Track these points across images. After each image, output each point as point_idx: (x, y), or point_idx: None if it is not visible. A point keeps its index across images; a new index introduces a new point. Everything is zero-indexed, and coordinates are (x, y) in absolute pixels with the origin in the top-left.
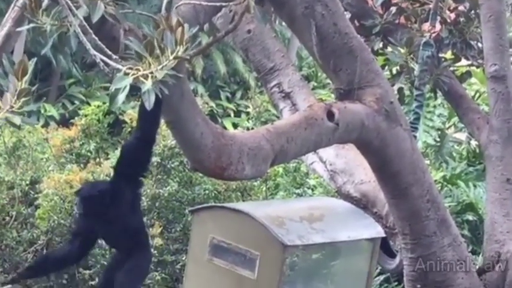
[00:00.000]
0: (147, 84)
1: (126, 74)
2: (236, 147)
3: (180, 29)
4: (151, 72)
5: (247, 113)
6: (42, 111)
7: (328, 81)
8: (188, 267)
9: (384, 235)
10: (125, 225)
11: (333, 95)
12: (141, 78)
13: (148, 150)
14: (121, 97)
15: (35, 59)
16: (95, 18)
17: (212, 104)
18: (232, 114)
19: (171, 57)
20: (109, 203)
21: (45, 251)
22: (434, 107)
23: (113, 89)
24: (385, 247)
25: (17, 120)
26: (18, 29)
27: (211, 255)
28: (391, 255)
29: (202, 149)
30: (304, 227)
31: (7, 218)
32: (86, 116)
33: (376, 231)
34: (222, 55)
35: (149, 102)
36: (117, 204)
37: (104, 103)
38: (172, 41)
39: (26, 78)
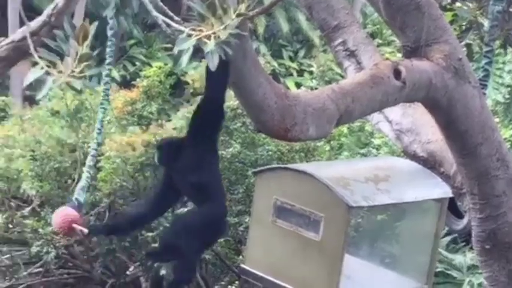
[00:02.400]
0: (210, 45)
1: (189, 36)
2: (300, 107)
3: None
4: (214, 33)
5: (310, 72)
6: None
7: (394, 38)
8: (251, 229)
9: (451, 195)
10: (199, 179)
11: (398, 53)
12: (204, 39)
13: (218, 111)
14: (185, 59)
15: (96, 23)
16: None
17: (274, 63)
18: (295, 74)
19: (233, 16)
20: (179, 154)
21: (107, 213)
22: (504, 63)
23: (176, 51)
24: (452, 207)
25: (77, 84)
26: None
27: (275, 217)
28: (459, 215)
29: (266, 110)
30: (369, 188)
31: (69, 181)
32: (147, 77)
33: (444, 191)
34: (285, 13)
35: (213, 63)
36: (189, 157)
37: (166, 64)
38: (234, 0)
39: (87, 42)
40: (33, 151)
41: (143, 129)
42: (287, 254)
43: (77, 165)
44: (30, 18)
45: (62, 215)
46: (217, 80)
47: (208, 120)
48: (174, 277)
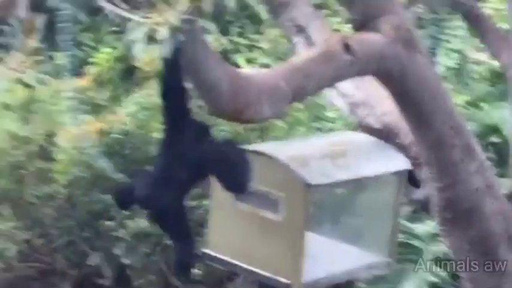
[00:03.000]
0: (163, 32)
1: (140, 24)
2: (253, 87)
3: None
4: (166, 19)
5: (260, 48)
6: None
7: (340, 8)
8: (211, 213)
9: (409, 167)
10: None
11: (345, 23)
12: (156, 27)
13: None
14: (138, 47)
15: (43, 15)
16: None
17: (223, 40)
18: (244, 50)
19: (185, 1)
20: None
21: (66, 205)
22: (451, 28)
23: (127, 40)
24: (410, 178)
25: (30, 79)
26: None
27: (234, 199)
28: (417, 185)
29: (219, 92)
30: (327, 165)
31: (25, 174)
32: (97, 64)
33: (402, 163)
34: None
35: (167, 50)
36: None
37: (115, 48)
38: None
39: (36, 36)
40: None
41: (96, 117)
42: (249, 236)
43: (32, 158)
44: None
45: None
46: (173, 65)
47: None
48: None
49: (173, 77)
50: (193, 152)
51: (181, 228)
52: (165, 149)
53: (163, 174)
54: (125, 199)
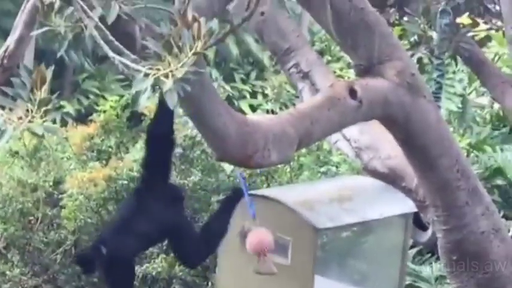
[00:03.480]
0: (169, 84)
1: (147, 75)
2: (261, 134)
3: (196, 24)
4: (172, 71)
5: (264, 94)
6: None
7: (342, 54)
8: (220, 257)
9: (415, 210)
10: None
11: (348, 69)
12: (162, 78)
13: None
14: (143, 98)
15: (52, 67)
16: (111, 19)
17: (227, 87)
18: (248, 96)
19: (190, 54)
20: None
21: (73, 251)
22: (454, 73)
23: (134, 91)
24: (416, 220)
25: (39, 130)
26: (32, 33)
27: (243, 244)
28: (423, 228)
29: (227, 139)
30: (334, 209)
31: (33, 221)
32: (103, 111)
33: (408, 206)
34: (234, 37)
35: (172, 101)
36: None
37: (121, 96)
38: (190, 37)
39: (46, 86)
40: None
41: (103, 164)
42: (258, 280)
43: (39, 205)
44: None
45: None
46: (168, 114)
47: (160, 150)
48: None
49: (163, 126)
50: (160, 214)
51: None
52: (135, 199)
53: (126, 225)
54: (88, 262)
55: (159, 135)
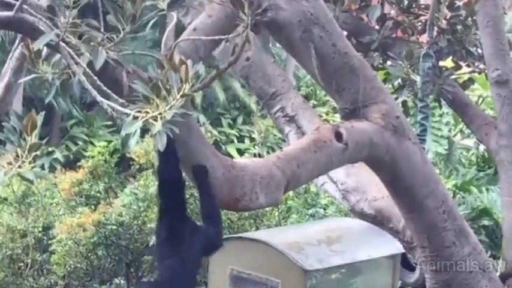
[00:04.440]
0: (158, 126)
1: (135, 118)
2: (248, 177)
3: (183, 67)
4: (160, 114)
5: (251, 138)
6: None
7: (328, 98)
8: None
9: (403, 250)
10: None
11: (334, 113)
12: (151, 121)
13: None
14: (133, 141)
15: (43, 113)
16: (98, 65)
17: (214, 131)
18: (235, 140)
19: (178, 97)
20: None
21: None
22: (441, 115)
23: (123, 134)
24: (404, 261)
25: (30, 175)
26: (20, 81)
27: (232, 287)
28: (411, 268)
29: (214, 182)
30: (323, 250)
31: (22, 267)
32: (92, 157)
33: (395, 247)
34: (220, 82)
35: (162, 143)
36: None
37: (109, 142)
38: (177, 80)
39: (36, 132)
40: None
41: (92, 209)
42: None
43: (28, 251)
44: None
45: None
46: (169, 157)
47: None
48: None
49: (169, 171)
50: (191, 257)
51: None
52: (165, 255)
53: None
54: None
55: (170, 181)
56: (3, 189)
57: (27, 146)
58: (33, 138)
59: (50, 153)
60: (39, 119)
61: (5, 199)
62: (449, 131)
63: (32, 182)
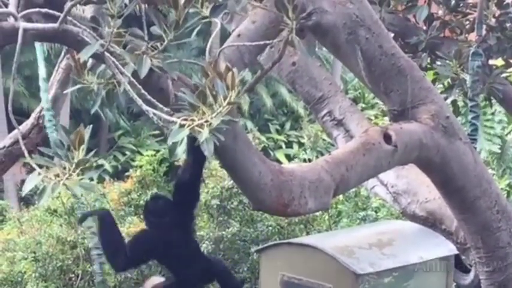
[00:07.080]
0: (205, 134)
1: (182, 126)
2: (296, 182)
3: (229, 74)
4: (207, 121)
5: (299, 143)
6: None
7: (376, 100)
8: None
9: (456, 252)
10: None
11: (383, 116)
12: (197, 128)
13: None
14: (180, 149)
15: (90, 127)
16: (143, 74)
17: (263, 138)
18: (283, 146)
19: (224, 104)
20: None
21: None
22: (493, 114)
23: (170, 143)
24: (458, 263)
25: (77, 190)
26: (66, 91)
27: None
28: (465, 270)
29: (263, 188)
30: (374, 254)
31: (73, 278)
32: (140, 167)
33: (448, 248)
34: (267, 88)
35: (209, 151)
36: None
37: (157, 151)
38: (223, 87)
39: (83, 146)
40: (34, 252)
41: (141, 219)
42: None
43: (79, 262)
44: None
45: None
46: (199, 163)
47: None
48: None
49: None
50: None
51: None
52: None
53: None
54: None
55: (186, 184)
56: (52, 201)
57: (75, 161)
58: (80, 153)
59: (98, 167)
60: (87, 132)
61: (55, 211)
62: (503, 129)
63: (79, 196)
